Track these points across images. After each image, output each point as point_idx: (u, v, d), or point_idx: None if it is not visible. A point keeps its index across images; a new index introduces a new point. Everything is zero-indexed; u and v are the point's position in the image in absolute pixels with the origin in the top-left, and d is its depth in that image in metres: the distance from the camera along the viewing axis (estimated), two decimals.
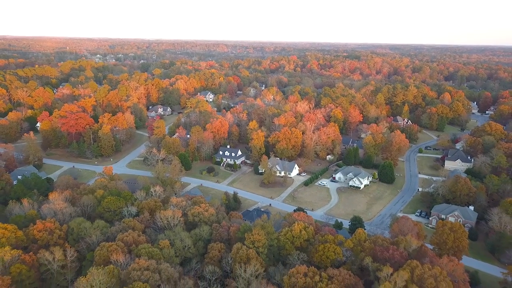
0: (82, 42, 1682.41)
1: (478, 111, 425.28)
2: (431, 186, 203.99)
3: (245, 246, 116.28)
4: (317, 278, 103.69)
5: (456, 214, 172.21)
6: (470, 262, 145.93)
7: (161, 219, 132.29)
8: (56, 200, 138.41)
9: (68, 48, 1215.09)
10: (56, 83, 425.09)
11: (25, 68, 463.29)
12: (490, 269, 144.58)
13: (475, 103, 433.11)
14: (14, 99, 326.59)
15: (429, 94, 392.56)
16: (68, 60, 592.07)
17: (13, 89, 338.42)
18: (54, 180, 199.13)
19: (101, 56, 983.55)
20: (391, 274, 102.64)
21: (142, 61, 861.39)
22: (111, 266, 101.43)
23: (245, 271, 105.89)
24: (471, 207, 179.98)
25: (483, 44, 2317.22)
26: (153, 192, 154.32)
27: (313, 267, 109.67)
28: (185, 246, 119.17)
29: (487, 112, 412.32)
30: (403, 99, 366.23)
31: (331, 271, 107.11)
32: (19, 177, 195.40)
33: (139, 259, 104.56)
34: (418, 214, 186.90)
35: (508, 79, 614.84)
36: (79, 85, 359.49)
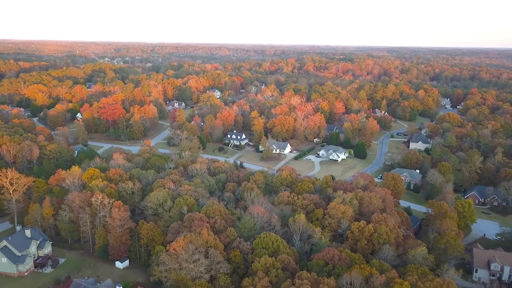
0: (87, 45, 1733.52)
1: (450, 106, 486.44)
2: (392, 159, 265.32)
3: (249, 183, 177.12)
4: (296, 197, 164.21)
5: (405, 174, 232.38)
6: (410, 205, 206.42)
7: (192, 170, 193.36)
8: (119, 158, 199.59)
9: (77, 52, 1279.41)
10: (83, 82, 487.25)
11: (56, 70, 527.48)
12: (422, 208, 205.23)
13: (449, 99, 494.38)
14: (53, 94, 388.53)
15: (407, 91, 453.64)
16: (88, 63, 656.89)
17: (52, 87, 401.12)
18: (100, 155, 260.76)
19: (109, 59, 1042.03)
20: (342, 195, 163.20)
21: (149, 64, 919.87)
22: (166, 189, 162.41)
23: (250, 194, 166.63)
24: (417, 170, 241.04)
25: (481, 46, 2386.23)
26: (184, 155, 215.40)
27: (294, 193, 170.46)
28: (210, 184, 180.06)
29: (458, 106, 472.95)
30: (382, 95, 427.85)
31: (305, 195, 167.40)
32: (76, 151, 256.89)
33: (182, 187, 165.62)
34: (379, 178, 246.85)
35: (488, 79, 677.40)
36: (108, 83, 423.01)
